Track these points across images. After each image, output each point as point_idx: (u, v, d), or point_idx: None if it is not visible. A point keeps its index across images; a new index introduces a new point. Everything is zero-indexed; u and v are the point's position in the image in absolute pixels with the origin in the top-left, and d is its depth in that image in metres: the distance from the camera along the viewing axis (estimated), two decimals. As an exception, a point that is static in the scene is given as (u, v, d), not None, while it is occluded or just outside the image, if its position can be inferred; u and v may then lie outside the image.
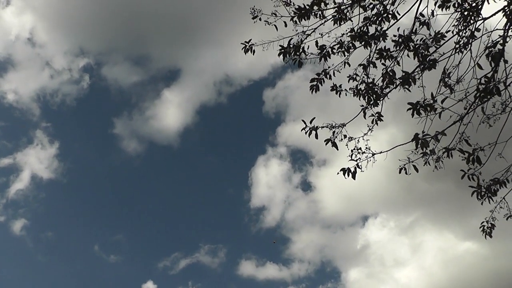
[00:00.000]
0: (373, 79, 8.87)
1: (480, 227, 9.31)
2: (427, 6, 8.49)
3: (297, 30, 8.92)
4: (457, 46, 8.33)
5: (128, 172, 58.51)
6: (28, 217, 53.58)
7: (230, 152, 60.42)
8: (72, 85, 53.44)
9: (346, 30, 8.86)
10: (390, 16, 8.58)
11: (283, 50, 8.98)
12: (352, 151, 8.57)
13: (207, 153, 61.35)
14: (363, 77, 8.93)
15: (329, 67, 9.18)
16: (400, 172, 8.37)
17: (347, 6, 8.66)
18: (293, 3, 8.78)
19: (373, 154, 8.54)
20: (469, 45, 8.25)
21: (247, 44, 9.29)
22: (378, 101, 8.81)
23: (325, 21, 8.92)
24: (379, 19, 8.64)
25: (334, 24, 8.88)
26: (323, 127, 8.68)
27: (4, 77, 52.14)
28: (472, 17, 8.20)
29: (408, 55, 8.63)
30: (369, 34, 8.74)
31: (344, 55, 9.06)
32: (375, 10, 8.67)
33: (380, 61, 8.78)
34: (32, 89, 51.95)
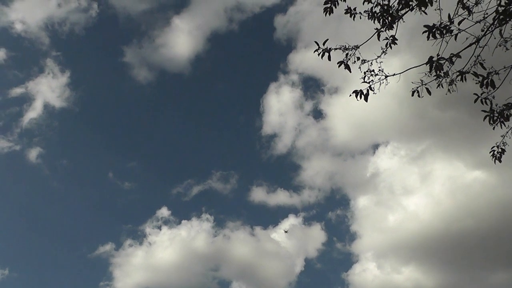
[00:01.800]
0: (389, 1, 8.63)
1: (490, 152, 9.37)
2: None
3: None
4: (477, -36, 8.04)
5: (140, 101, 58.71)
6: (43, 145, 54.54)
7: (242, 79, 60.07)
8: (80, 14, 52.54)
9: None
10: None
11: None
12: (365, 73, 8.48)
13: (218, 81, 61.10)
14: (379, -1, 8.66)
15: (343, -11, 8.90)
16: (413, 95, 8.33)
17: None
18: None
19: (386, 77, 8.44)
20: (490, -36, 7.95)
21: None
22: (393, 24, 8.62)
23: None
24: None
25: None
26: (336, 49, 8.55)
27: (11, 7, 51.29)
28: None
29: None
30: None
31: (359, -24, 8.78)
32: None
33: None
34: (40, 18, 51.16)
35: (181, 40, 54.60)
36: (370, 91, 8.49)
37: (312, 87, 57.03)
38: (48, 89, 51.45)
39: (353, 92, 8.42)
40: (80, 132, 59.86)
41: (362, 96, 8.47)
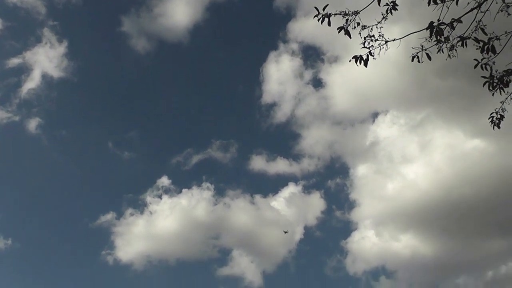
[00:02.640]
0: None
1: (489, 118, 9.37)
2: None
3: None
4: None
5: (139, 70, 58.29)
6: (42, 116, 54.36)
7: (241, 48, 59.54)
8: (77, -18, 51.67)
9: None
10: None
11: None
12: (365, 38, 8.41)
13: (217, 50, 60.54)
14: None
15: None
16: (412, 60, 8.29)
17: None
18: None
19: (386, 42, 8.37)
20: None
21: None
22: (394, -11, 8.49)
23: None
24: None
25: None
26: (335, 14, 8.46)
27: (6, -24, 50.27)
28: None
29: None
30: None
31: None
32: None
33: None
34: (35, -13, 50.22)
35: (180, 9, 53.86)
36: (370, 56, 8.44)
37: (312, 56, 56.53)
38: (46, 59, 50.94)
39: (353, 58, 8.37)
40: (78, 102, 59.60)
41: (362, 62, 8.42)
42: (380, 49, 8.39)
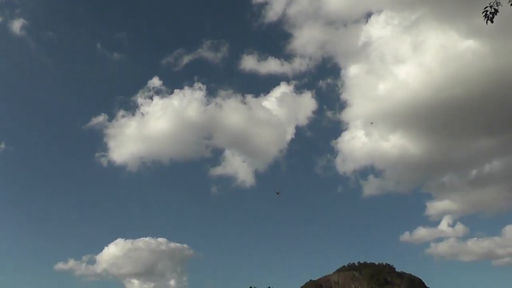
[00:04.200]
0: None
1: (483, 12, 9.41)
2: None
3: None
4: None
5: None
6: (26, 16, 53.08)
7: None
8: None
9: None
10: None
11: None
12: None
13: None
14: None
15: None
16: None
17: None
18: None
19: None
20: None
21: None
22: None
23: None
24: None
25: None
26: None
27: None
28: None
29: None
30: None
31: None
32: None
33: None
34: None
35: None
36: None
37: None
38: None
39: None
40: (64, 2, 57.74)
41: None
42: None
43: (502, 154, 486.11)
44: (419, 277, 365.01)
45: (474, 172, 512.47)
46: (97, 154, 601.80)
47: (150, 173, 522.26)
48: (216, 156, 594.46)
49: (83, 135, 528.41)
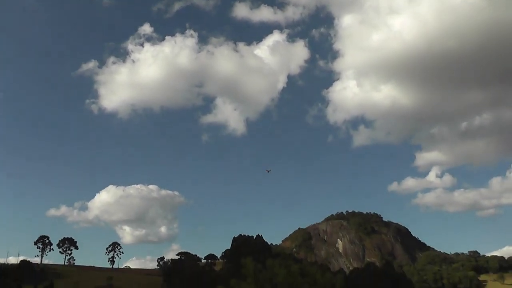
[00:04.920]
0: None
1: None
2: None
3: None
4: None
5: None
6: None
7: None
8: None
9: None
10: None
11: None
12: None
13: None
14: None
15: None
16: None
17: None
18: None
19: None
20: None
21: None
22: None
23: None
24: None
25: None
26: None
27: None
28: None
29: None
30: None
31: None
32: None
33: None
34: None
35: None
36: None
37: None
38: None
39: None
40: None
41: None
42: None
43: (493, 107, 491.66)
44: (406, 226, 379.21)
45: (464, 124, 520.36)
46: (87, 101, 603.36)
47: (141, 121, 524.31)
48: (207, 104, 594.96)
49: (73, 82, 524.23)
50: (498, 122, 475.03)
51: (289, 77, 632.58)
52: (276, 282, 10.68)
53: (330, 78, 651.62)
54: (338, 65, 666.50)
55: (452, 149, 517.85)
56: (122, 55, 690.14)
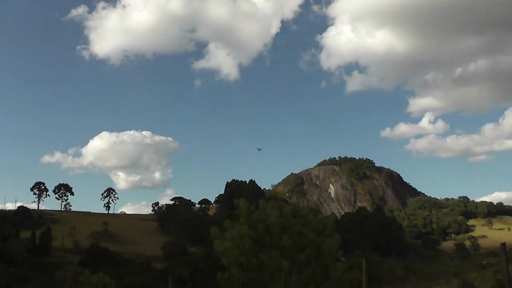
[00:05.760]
0: None
1: None
2: None
3: None
4: None
5: None
6: None
7: None
8: None
9: None
10: None
11: None
12: None
13: None
14: None
15: None
16: None
17: None
18: None
19: None
20: None
21: None
22: None
23: None
24: None
25: None
26: None
27: None
28: None
29: None
30: None
31: None
32: None
33: None
34: None
35: None
36: None
37: None
38: None
39: None
40: None
41: None
42: None
43: (488, 53, 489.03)
44: (397, 172, 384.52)
45: (459, 70, 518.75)
46: (78, 47, 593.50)
47: (134, 67, 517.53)
48: (200, 49, 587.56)
49: (62, 27, 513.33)
50: (493, 69, 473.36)
51: (283, 22, 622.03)
52: (268, 223, 11.00)
53: (324, 23, 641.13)
54: (333, 10, 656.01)
55: (446, 95, 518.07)
56: (112, 0, 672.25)
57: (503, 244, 9.04)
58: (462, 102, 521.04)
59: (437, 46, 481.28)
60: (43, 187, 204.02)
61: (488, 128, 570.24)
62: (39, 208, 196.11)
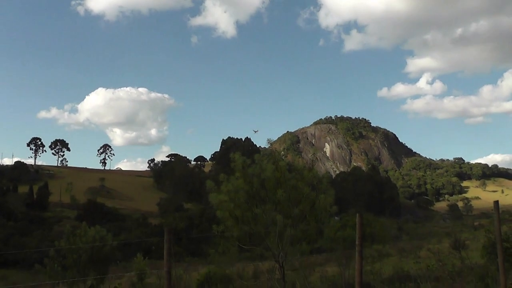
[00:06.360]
0: None
1: None
2: None
3: None
4: None
5: None
6: None
7: None
8: None
9: None
10: None
11: None
12: None
13: None
14: None
15: None
16: None
17: None
18: None
19: None
20: None
21: None
22: None
23: None
24: None
25: None
26: None
27: None
28: None
29: None
30: None
31: None
32: None
33: None
34: None
35: None
36: None
37: None
38: None
39: None
40: None
41: None
42: None
43: (490, 13, 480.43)
44: (394, 132, 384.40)
45: (459, 30, 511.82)
46: (73, 2, 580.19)
47: (129, 23, 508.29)
48: (197, 5, 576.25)
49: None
50: (494, 29, 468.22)
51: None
52: (264, 177, 11.02)
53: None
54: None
55: (445, 56, 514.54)
56: None
57: (496, 202, 9.07)
58: (461, 63, 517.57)
59: (438, 5, 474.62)
60: (39, 143, 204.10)
61: (486, 89, 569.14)
62: (36, 163, 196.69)
